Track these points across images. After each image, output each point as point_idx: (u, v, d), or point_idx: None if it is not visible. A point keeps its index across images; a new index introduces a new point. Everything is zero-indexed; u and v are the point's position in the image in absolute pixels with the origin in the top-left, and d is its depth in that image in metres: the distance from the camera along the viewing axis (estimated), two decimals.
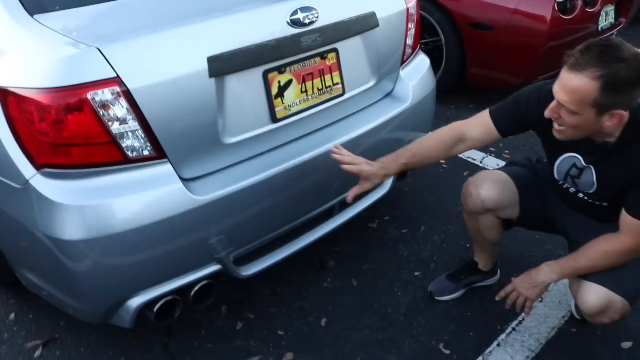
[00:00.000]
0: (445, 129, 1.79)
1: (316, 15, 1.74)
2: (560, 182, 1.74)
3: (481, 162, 3.04)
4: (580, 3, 3.36)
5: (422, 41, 3.57)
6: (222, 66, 1.56)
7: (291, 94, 1.77)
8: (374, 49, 1.99)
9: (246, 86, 1.65)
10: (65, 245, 1.45)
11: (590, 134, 1.51)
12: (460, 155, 2.99)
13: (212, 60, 1.53)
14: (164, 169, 1.53)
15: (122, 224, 1.46)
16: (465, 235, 2.23)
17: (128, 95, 1.42)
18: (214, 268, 1.70)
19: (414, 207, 2.66)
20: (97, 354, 1.90)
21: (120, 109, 1.42)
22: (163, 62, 1.47)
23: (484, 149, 3.11)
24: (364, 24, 1.92)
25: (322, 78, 1.85)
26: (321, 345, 1.94)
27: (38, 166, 1.44)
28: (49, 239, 1.45)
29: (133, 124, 1.45)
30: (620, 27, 3.93)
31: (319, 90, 1.84)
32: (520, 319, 2.02)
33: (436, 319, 2.04)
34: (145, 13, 1.60)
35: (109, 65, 1.40)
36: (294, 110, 1.79)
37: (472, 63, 3.56)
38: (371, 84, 2.04)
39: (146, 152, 1.50)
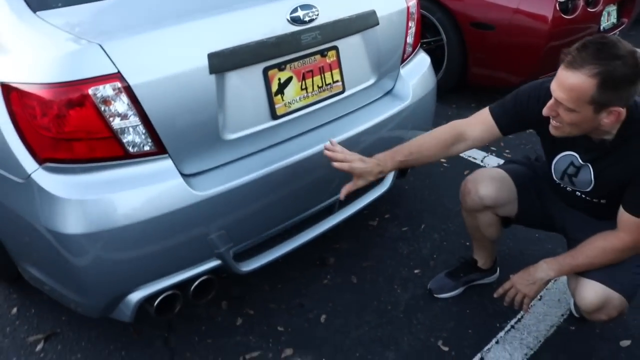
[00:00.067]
0: (444, 127, 1.77)
1: (316, 13, 1.75)
2: (558, 181, 1.74)
3: (482, 161, 3.04)
4: (581, 3, 3.36)
5: (424, 40, 3.58)
6: (223, 63, 1.57)
7: (291, 91, 1.78)
8: (374, 47, 2.00)
9: (246, 83, 1.66)
10: (67, 239, 1.46)
11: (588, 131, 1.51)
12: (461, 154, 2.99)
13: (212, 57, 1.54)
14: (165, 164, 1.54)
15: (122, 218, 1.47)
16: (465, 234, 2.24)
17: (129, 90, 1.43)
18: (213, 263, 1.71)
19: (414, 205, 2.67)
20: (98, 348, 1.92)
21: (121, 104, 1.44)
22: (164, 58, 1.49)
23: (485, 148, 3.12)
24: (364, 22, 1.93)
25: (322, 75, 1.86)
26: (320, 341, 1.95)
27: (40, 160, 1.46)
28: (51, 232, 1.47)
29: (134, 120, 1.46)
30: (623, 27, 3.92)
31: (318, 87, 1.85)
32: (519, 316, 2.03)
33: (435, 316, 2.05)
34: (146, 9, 1.61)
35: (110, 61, 1.41)
36: (293, 107, 1.80)
37: (474, 62, 3.57)
38: (371, 81, 2.05)
39: (147, 148, 1.51)
